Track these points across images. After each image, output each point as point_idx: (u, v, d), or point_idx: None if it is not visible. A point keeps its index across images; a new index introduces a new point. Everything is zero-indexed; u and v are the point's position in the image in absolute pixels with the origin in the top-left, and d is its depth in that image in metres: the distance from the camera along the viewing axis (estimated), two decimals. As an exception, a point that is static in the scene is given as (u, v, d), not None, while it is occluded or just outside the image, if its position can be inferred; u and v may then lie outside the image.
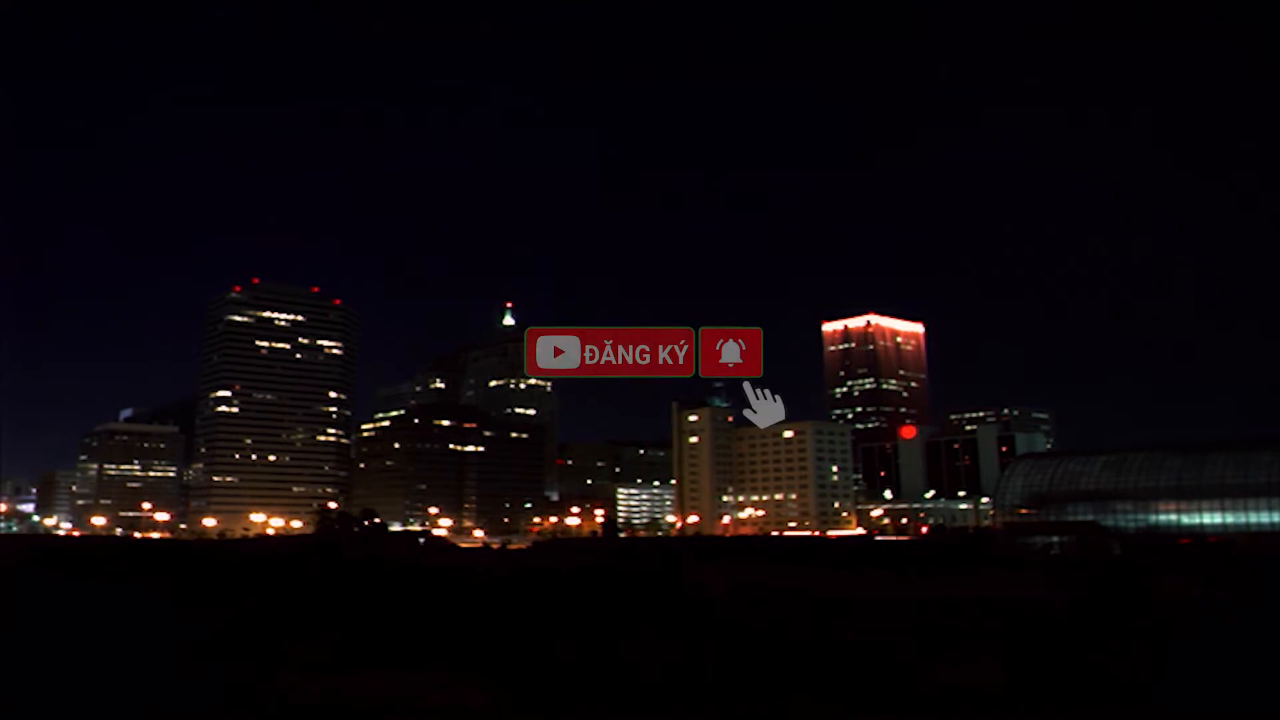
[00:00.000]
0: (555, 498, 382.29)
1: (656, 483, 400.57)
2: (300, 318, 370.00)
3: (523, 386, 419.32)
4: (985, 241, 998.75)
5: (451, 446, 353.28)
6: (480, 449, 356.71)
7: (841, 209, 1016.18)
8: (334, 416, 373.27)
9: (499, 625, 44.33)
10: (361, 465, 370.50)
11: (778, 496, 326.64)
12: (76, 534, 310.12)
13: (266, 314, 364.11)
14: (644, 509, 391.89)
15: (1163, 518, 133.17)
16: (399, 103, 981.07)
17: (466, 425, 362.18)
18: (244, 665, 32.16)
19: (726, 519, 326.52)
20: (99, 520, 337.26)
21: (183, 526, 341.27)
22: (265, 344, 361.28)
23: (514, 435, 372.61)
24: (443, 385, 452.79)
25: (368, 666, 32.30)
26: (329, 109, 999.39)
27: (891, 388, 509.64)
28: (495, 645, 37.43)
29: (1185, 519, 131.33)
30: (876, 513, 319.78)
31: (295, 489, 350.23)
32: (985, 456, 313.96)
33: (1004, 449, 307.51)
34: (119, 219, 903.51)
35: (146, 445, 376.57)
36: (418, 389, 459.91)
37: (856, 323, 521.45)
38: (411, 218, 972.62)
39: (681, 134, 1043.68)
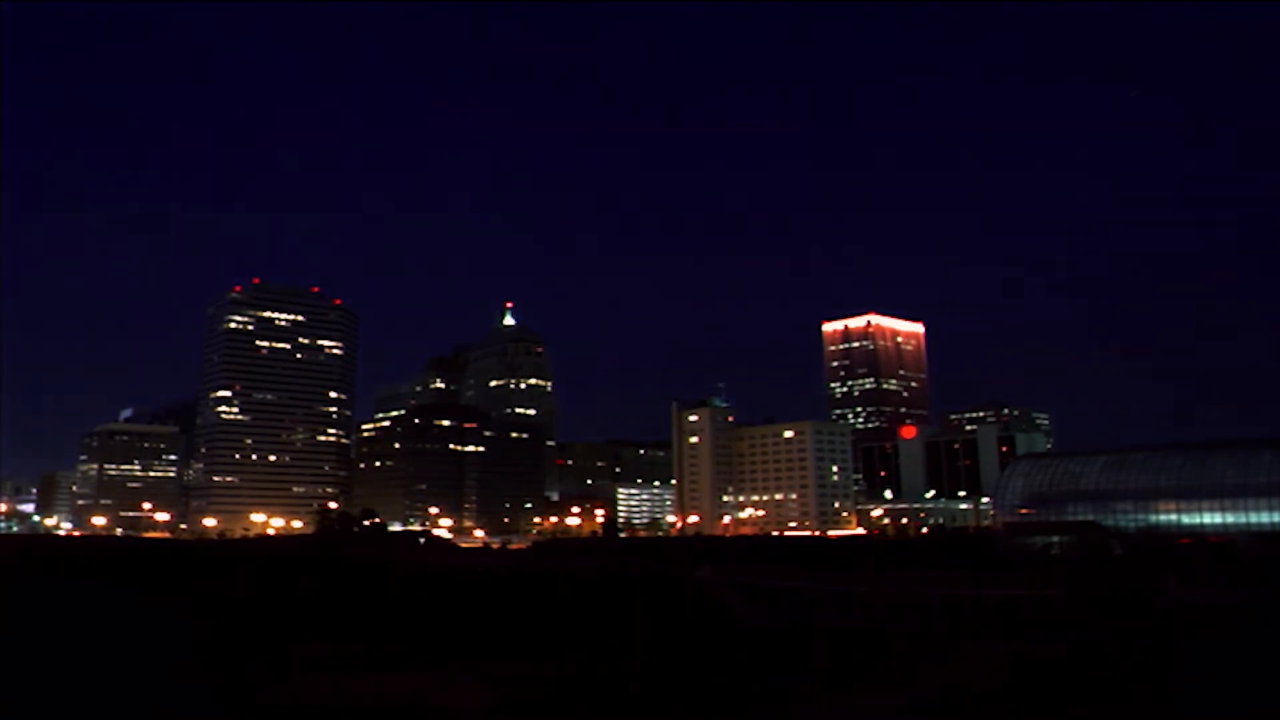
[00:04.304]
0: (555, 498, 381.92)
1: (656, 483, 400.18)
2: (300, 318, 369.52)
3: (523, 386, 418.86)
4: (986, 241, 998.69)
5: (451, 446, 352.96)
6: (480, 449, 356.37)
7: (842, 210, 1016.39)
8: (334, 416, 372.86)
9: (499, 626, 44.31)
10: (361, 465, 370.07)
11: (778, 496, 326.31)
12: (77, 534, 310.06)
13: (266, 314, 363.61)
14: (644, 509, 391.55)
15: (1163, 518, 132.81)
16: (399, 103, 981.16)
17: (466, 425, 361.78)
18: (247, 666, 32.18)
19: (726, 519, 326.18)
20: (99, 520, 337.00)
21: (183, 526, 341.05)
22: (265, 344, 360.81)
23: (514, 435, 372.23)
24: (443, 385, 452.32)
25: (370, 667, 32.31)
26: (330, 110, 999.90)
27: (891, 388, 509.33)
28: (496, 646, 37.42)
29: (1185, 519, 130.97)
30: (877, 513, 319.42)
31: (295, 489, 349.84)
32: (985, 456, 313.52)
33: (1004, 449, 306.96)
34: (119, 219, 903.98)
35: (146, 445, 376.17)
36: (418, 389, 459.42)
37: (856, 323, 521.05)
38: (412, 217, 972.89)
39: (681, 134, 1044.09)
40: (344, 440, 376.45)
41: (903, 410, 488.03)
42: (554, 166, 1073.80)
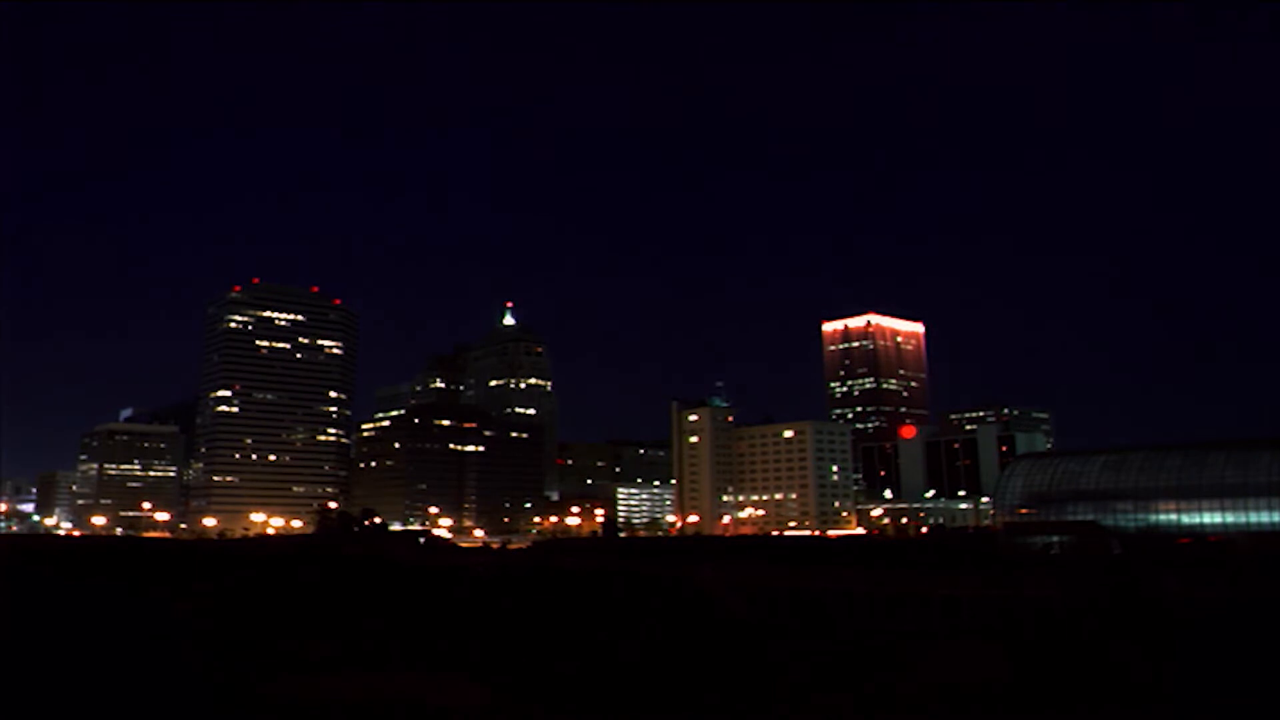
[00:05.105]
0: (555, 497, 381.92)
1: (656, 482, 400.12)
2: (300, 318, 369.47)
3: (523, 386, 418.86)
4: (985, 241, 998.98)
5: (451, 446, 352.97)
6: (480, 449, 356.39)
7: (842, 209, 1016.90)
8: (334, 416, 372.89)
9: (499, 626, 44.30)
10: (361, 465, 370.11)
11: (778, 496, 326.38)
12: (77, 534, 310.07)
13: (266, 314, 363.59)
14: (644, 509, 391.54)
15: (1163, 518, 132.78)
16: (400, 103, 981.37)
17: (466, 425, 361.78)
18: (248, 666, 32.18)
19: (726, 519, 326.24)
20: (99, 520, 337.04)
21: (183, 526, 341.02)
22: (265, 344, 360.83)
23: (514, 435, 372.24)
24: (443, 385, 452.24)
25: (370, 667, 32.31)
26: (331, 111, 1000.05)
27: (891, 388, 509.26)
28: (495, 646, 37.42)
29: (1185, 519, 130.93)
30: (876, 512, 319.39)
31: (295, 489, 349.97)
32: (985, 456, 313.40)
33: (1004, 449, 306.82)
34: (120, 219, 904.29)
35: (146, 445, 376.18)
36: (418, 389, 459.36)
37: (856, 323, 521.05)
38: (412, 217, 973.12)
39: (681, 134, 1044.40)
40: (344, 440, 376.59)
41: (903, 410, 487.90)
42: (554, 166, 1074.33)
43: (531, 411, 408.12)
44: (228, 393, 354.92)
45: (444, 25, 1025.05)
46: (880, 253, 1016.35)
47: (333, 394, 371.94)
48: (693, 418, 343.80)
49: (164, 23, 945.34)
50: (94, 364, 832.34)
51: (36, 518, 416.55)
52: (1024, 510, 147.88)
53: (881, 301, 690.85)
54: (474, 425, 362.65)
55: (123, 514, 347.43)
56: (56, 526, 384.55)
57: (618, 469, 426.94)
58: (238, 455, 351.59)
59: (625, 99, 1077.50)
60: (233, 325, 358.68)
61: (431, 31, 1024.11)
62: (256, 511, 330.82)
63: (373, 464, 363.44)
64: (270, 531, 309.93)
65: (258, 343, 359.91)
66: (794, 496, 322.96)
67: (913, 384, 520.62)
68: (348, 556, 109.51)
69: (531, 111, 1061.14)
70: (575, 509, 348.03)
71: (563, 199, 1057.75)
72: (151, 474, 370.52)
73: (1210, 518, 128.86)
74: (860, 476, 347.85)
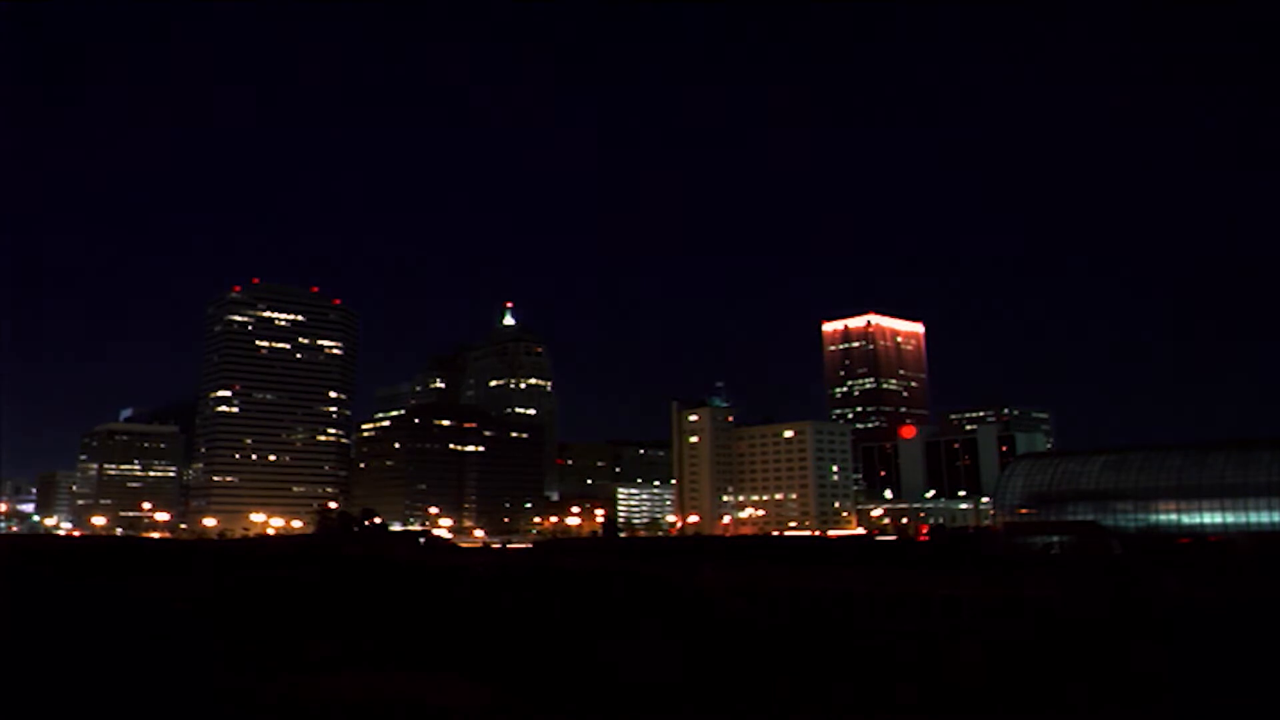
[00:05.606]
0: (555, 498, 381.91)
1: (656, 483, 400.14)
2: (300, 318, 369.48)
3: (523, 386, 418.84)
4: (986, 241, 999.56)
5: (451, 446, 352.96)
6: (480, 449, 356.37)
7: (842, 209, 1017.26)
8: (334, 416, 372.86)
9: (499, 626, 44.33)
10: (361, 465, 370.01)
11: (778, 496, 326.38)
12: (77, 534, 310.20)
13: (266, 314, 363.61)
14: (644, 509, 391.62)
15: (1163, 518, 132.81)
16: (398, 102, 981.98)
17: (466, 425, 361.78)
18: (248, 666, 32.21)
19: (726, 519, 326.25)
20: (99, 520, 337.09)
21: (183, 526, 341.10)
22: (265, 344, 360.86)
23: (514, 435, 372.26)
24: (443, 385, 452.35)
25: (371, 667, 32.33)
26: (331, 111, 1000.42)
27: (891, 388, 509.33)
28: (495, 646, 37.46)
29: (1185, 519, 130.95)
30: (876, 512, 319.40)
31: (295, 489, 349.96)
32: (985, 456, 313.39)
33: (1004, 449, 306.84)
34: (119, 219, 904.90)
35: (146, 445, 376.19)
36: (418, 389, 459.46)
37: (856, 323, 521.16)
38: (412, 218, 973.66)
39: (681, 135, 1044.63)
40: (344, 440, 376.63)
41: (903, 410, 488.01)
42: (554, 166, 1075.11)
43: (531, 411, 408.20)
44: (228, 393, 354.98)
45: (443, 25, 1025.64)
46: (880, 253, 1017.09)
47: (333, 394, 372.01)
48: (693, 418, 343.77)
49: (165, 20, 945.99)
50: (94, 364, 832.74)
51: (36, 518, 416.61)
52: (1024, 510, 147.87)
53: (881, 301, 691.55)
54: (474, 425, 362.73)
55: (123, 514, 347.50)
56: (56, 526, 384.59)
57: (618, 469, 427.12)
58: (238, 455, 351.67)
59: (624, 96, 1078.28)
60: (233, 325, 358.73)
61: (429, 30, 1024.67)
62: (256, 511, 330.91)
63: (373, 464, 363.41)
64: (270, 531, 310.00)
65: (258, 343, 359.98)
66: (794, 496, 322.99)
67: (913, 384, 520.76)
68: (348, 556, 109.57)
69: (531, 112, 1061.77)
70: (575, 509, 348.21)
71: (563, 198, 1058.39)
72: (151, 474, 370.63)
73: (1210, 518, 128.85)
74: (860, 476, 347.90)
